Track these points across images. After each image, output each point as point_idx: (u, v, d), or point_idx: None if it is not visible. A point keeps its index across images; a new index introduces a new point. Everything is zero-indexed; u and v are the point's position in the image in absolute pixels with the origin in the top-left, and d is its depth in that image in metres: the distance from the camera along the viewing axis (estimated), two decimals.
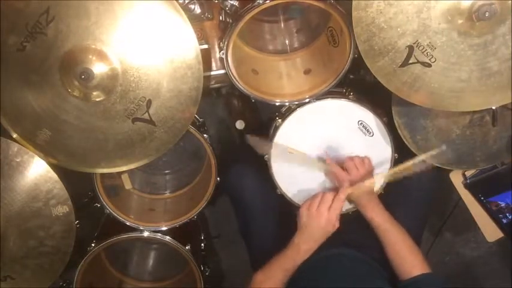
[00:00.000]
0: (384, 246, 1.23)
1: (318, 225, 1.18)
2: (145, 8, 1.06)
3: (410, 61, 1.10)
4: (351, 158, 1.32)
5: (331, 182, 1.42)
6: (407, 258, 1.20)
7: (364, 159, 1.32)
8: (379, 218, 1.25)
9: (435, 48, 1.08)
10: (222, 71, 1.42)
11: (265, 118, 1.73)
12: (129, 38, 1.08)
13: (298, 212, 1.23)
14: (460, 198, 1.58)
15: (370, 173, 1.32)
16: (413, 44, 1.08)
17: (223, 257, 2.04)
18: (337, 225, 1.19)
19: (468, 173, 1.52)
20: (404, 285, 1.17)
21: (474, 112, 1.38)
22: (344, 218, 1.23)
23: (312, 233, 1.20)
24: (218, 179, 1.47)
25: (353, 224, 1.40)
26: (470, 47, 1.07)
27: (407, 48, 1.09)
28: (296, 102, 1.40)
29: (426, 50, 1.08)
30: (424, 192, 1.43)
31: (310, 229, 1.19)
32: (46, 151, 1.23)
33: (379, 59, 1.11)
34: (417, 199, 1.42)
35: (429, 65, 1.10)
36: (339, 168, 1.33)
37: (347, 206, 1.43)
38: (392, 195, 1.40)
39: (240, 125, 1.61)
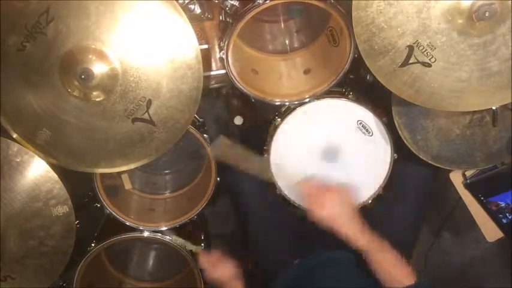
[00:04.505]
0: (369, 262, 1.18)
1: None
2: (145, 8, 1.06)
3: (410, 61, 1.10)
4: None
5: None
6: (392, 273, 1.15)
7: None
8: (364, 242, 1.16)
9: (435, 48, 1.08)
10: (222, 71, 1.42)
11: (265, 118, 1.73)
12: (129, 38, 1.08)
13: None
14: (460, 198, 1.58)
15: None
16: (413, 44, 1.08)
17: None
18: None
19: (468, 173, 1.52)
20: None
21: (474, 112, 1.38)
22: None
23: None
24: (218, 179, 1.48)
25: None
26: (470, 47, 1.07)
27: (407, 48, 1.09)
28: (296, 102, 1.40)
29: (426, 50, 1.08)
30: (421, 190, 1.43)
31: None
32: (46, 151, 1.23)
33: (379, 59, 1.11)
34: (414, 197, 1.42)
35: (429, 65, 1.10)
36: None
37: None
38: (390, 194, 1.40)
39: (238, 120, 1.61)
